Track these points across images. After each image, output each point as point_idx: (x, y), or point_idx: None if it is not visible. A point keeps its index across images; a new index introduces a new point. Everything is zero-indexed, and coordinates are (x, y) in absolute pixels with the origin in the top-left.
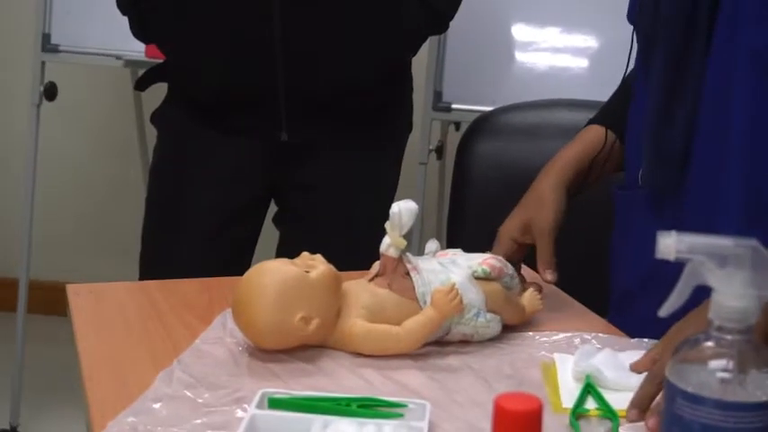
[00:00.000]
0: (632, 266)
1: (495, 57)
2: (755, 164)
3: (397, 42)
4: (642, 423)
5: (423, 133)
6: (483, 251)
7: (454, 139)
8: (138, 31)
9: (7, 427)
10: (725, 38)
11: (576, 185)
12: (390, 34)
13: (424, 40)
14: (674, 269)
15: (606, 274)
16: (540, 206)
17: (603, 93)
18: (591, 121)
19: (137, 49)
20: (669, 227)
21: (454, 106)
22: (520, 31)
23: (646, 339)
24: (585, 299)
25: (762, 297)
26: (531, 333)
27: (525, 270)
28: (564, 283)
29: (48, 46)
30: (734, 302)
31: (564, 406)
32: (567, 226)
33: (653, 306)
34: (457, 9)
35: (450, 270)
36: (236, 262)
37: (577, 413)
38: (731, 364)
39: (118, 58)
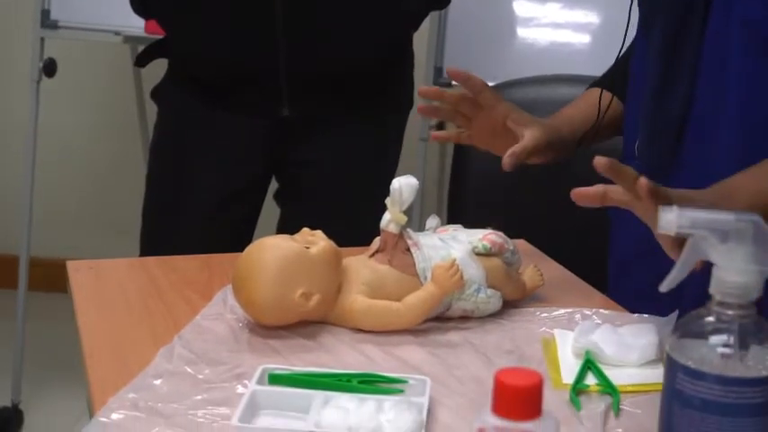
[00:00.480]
0: (629, 232)
1: (496, 32)
2: (748, 137)
3: (397, 22)
4: (644, 400)
5: None
6: (484, 227)
7: None
8: (139, 6)
9: (8, 404)
10: (721, 16)
11: (574, 135)
12: (391, 14)
13: (425, 17)
14: None
15: (605, 252)
16: (540, 123)
17: (604, 68)
18: (592, 85)
19: (136, 24)
20: None
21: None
22: (521, 7)
23: (646, 315)
24: (584, 277)
25: (763, 272)
26: (531, 309)
27: (523, 244)
28: (564, 260)
29: (47, 22)
30: (735, 278)
31: (564, 382)
32: (568, 202)
33: (650, 273)
34: None
35: (450, 246)
36: (237, 239)
37: (578, 389)
38: (732, 340)
39: (117, 33)
